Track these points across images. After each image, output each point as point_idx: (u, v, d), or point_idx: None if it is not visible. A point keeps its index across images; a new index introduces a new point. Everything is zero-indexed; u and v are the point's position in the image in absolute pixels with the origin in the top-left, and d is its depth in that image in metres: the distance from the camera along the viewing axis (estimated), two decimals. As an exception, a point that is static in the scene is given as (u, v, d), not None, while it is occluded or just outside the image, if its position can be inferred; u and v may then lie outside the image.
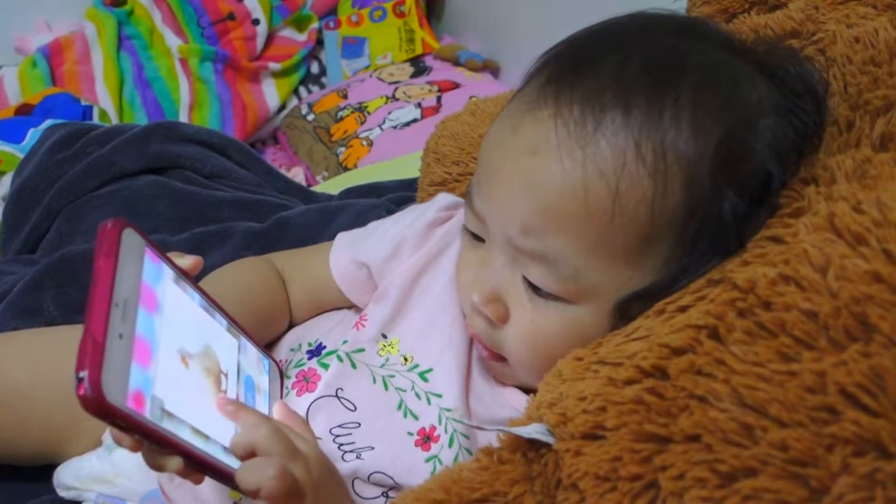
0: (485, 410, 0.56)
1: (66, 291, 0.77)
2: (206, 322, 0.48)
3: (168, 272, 0.44)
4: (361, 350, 0.59)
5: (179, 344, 0.43)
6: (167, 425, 0.39)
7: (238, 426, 0.45)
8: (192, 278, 0.48)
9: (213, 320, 0.49)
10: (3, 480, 0.67)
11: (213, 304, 0.50)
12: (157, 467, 0.41)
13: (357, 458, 0.55)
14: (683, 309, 0.42)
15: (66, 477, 0.62)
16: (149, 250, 0.42)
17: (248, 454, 0.43)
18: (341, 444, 0.55)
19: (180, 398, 0.41)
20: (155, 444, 0.39)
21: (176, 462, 0.41)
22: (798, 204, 0.44)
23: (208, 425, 0.44)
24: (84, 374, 0.34)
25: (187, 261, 0.48)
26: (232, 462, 0.45)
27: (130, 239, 0.40)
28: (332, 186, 1.17)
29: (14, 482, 0.67)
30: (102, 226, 0.39)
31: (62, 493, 0.63)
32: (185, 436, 0.41)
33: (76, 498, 0.62)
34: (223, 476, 0.44)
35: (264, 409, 0.53)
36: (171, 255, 0.46)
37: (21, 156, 1.04)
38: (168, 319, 0.42)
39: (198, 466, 0.42)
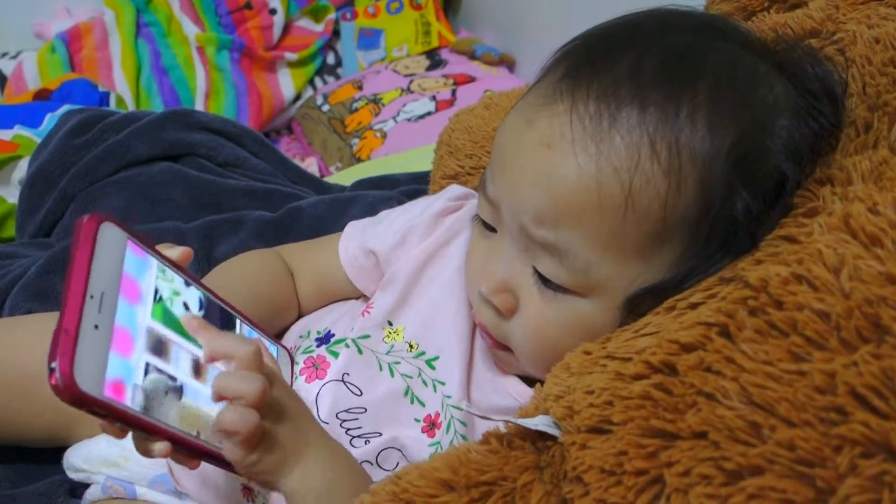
0: (484, 399, 0.57)
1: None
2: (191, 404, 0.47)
3: (154, 264, 0.45)
4: (367, 336, 0.59)
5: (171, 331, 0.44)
6: (153, 412, 0.40)
7: (204, 341, 0.45)
8: (185, 268, 0.48)
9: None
10: (14, 462, 0.68)
11: (210, 293, 0.50)
12: (145, 452, 0.42)
13: (365, 443, 0.55)
14: (694, 306, 0.42)
15: (76, 459, 0.62)
16: (131, 243, 0.43)
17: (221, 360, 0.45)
18: (349, 430, 0.56)
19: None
20: (138, 430, 0.40)
21: (161, 446, 0.41)
22: (813, 204, 0.44)
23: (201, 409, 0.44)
24: (55, 364, 0.35)
25: (176, 252, 0.48)
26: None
27: (109, 232, 0.41)
28: (344, 178, 1.17)
29: (25, 464, 0.68)
30: (79, 220, 0.40)
31: (71, 475, 0.63)
32: (172, 421, 0.41)
33: (85, 480, 0.63)
34: (219, 461, 0.44)
35: None
36: (160, 246, 0.47)
37: (38, 140, 1.04)
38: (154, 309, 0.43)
39: (189, 451, 0.43)
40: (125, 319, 0.40)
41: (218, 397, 0.43)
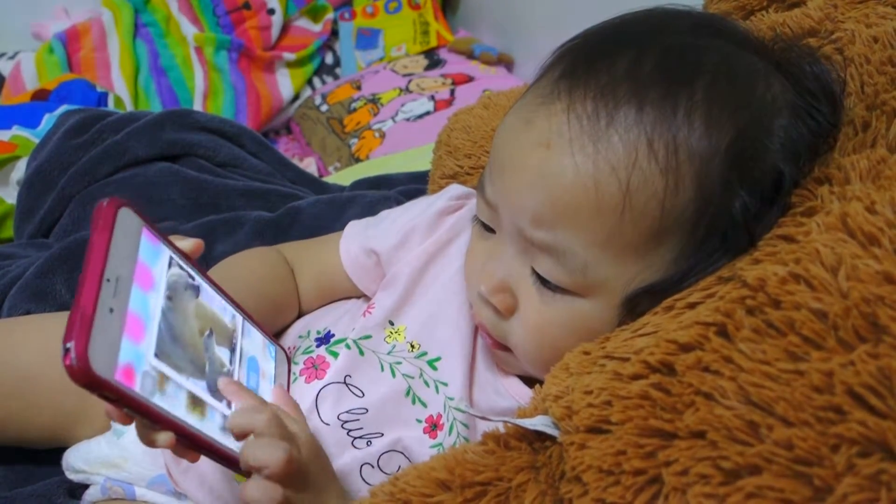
0: (486, 400, 0.57)
1: (78, 276, 0.78)
2: (206, 304, 0.48)
3: (167, 253, 0.45)
4: (368, 337, 0.59)
5: (177, 323, 0.44)
6: (159, 401, 0.40)
7: (236, 407, 0.45)
8: (195, 260, 0.48)
9: (214, 303, 0.50)
10: (14, 462, 0.67)
11: (217, 288, 0.50)
12: (149, 442, 0.42)
13: (367, 444, 0.56)
14: (692, 306, 0.42)
15: (75, 460, 0.62)
16: (146, 230, 0.43)
17: (244, 435, 0.44)
18: (350, 431, 0.56)
19: (177, 375, 0.42)
20: (145, 418, 0.40)
21: (166, 437, 0.41)
22: (811, 203, 0.44)
23: (207, 403, 0.44)
24: (70, 344, 0.35)
25: (189, 243, 0.48)
26: (229, 443, 0.45)
27: (127, 217, 0.41)
28: (343, 178, 1.17)
29: (24, 464, 0.68)
30: (99, 204, 0.40)
31: (71, 476, 0.63)
32: (179, 412, 0.41)
33: (84, 481, 0.63)
34: (219, 455, 0.44)
35: (268, 393, 0.54)
36: (172, 237, 0.47)
37: (36, 140, 1.04)
38: (166, 298, 0.43)
39: (190, 444, 0.43)
40: (138, 306, 0.40)
41: (245, 466, 0.43)
